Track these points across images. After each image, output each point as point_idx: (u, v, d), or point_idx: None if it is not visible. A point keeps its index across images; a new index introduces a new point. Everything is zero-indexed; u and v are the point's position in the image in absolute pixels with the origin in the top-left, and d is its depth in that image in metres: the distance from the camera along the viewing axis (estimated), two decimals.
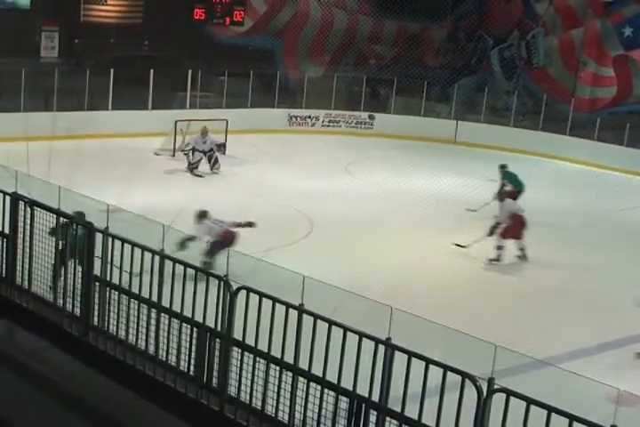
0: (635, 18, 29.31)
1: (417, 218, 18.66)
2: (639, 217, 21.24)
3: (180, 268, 7.57)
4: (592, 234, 18.93)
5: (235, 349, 7.27)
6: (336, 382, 6.72)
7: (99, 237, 8.18)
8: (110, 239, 8.07)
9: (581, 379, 6.39)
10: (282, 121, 28.94)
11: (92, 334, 8.31)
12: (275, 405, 7.02)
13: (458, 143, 29.11)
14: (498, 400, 6.05)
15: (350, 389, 6.66)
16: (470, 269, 15.19)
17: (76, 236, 8.37)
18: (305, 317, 6.85)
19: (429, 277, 14.70)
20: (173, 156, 23.86)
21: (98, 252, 8.19)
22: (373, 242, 16.73)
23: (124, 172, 19.10)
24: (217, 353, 7.40)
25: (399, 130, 29.18)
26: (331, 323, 6.71)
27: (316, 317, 6.79)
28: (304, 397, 6.88)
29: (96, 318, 8.33)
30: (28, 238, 8.89)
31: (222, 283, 7.23)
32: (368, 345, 6.53)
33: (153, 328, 7.78)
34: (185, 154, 22.57)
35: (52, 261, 8.66)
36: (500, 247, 16.13)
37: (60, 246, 8.47)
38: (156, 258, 7.68)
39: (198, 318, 7.44)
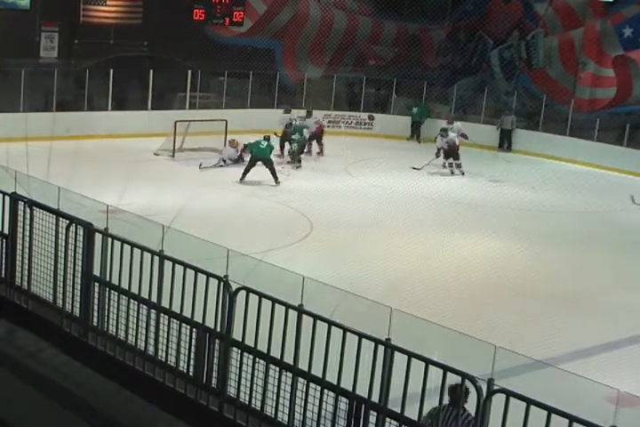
0: (635, 18, 29.29)
1: (417, 218, 18.66)
2: (639, 218, 21.21)
3: (179, 268, 7.57)
4: (592, 234, 18.91)
5: (234, 349, 7.26)
6: (336, 382, 6.71)
7: (98, 237, 8.17)
8: (110, 240, 8.06)
9: (581, 380, 6.39)
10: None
11: (92, 335, 8.30)
12: (274, 405, 7.02)
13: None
14: (498, 401, 6.05)
15: (350, 389, 6.65)
16: (470, 270, 15.17)
17: None
18: (304, 317, 6.85)
19: (429, 277, 14.68)
20: (173, 156, 23.85)
21: (97, 252, 8.19)
22: (373, 242, 16.73)
23: (124, 172, 19.12)
24: (216, 354, 7.39)
25: (399, 130, 29.17)
26: (330, 323, 6.70)
27: (316, 317, 6.79)
28: (303, 397, 6.87)
29: (95, 319, 8.33)
30: (27, 239, 8.89)
31: (222, 283, 7.23)
32: (368, 346, 6.52)
33: (152, 329, 7.78)
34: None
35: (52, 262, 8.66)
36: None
37: None
38: (156, 258, 7.68)
39: (198, 318, 7.44)
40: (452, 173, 24.72)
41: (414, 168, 24.56)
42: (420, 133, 29.33)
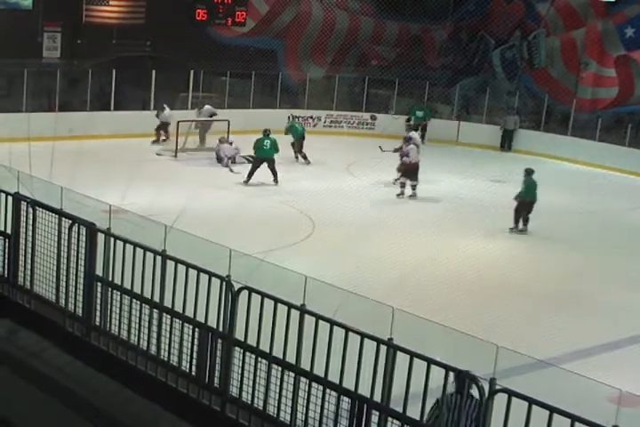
0: (636, 18, 29.28)
1: (418, 218, 18.67)
2: (639, 218, 21.24)
3: (181, 268, 7.59)
4: (593, 234, 18.92)
5: (236, 349, 7.28)
6: (338, 382, 6.73)
7: (101, 237, 8.19)
8: (112, 240, 8.08)
9: (583, 379, 6.39)
10: (283, 122, 28.88)
11: (94, 335, 8.32)
12: (276, 405, 7.03)
13: (460, 144, 29.12)
14: (500, 401, 6.06)
15: (352, 389, 6.67)
16: (472, 270, 15.18)
17: None
18: (307, 317, 6.86)
19: (431, 277, 14.68)
20: (175, 156, 23.87)
21: (100, 252, 8.21)
22: (375, 242, 16.73)
23: (126, 172, 19.13)
24: (219, 353, 7.41)
25: (401, 130, 29.12)
26: (332, 323, 6.72)
27: (318, 317, 6.80)
28: (306, 397, 6.89)
29: (98, 319, 8.34)
30: (30, 239, 8.91)
31: (224, 283, 7.25)
32: (370, 345, 6.54)
33: (155, 328, 7.79)
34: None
35: (55, 262, 8.67)
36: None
37: None
38: (158, 258, 7.70)
39: (200, 318, 7.46)
40: (402, 193, 21.15)
41: (381, 149, 22.84)
42: (426, 134, 29.10)
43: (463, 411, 6.31)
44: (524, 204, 18.57)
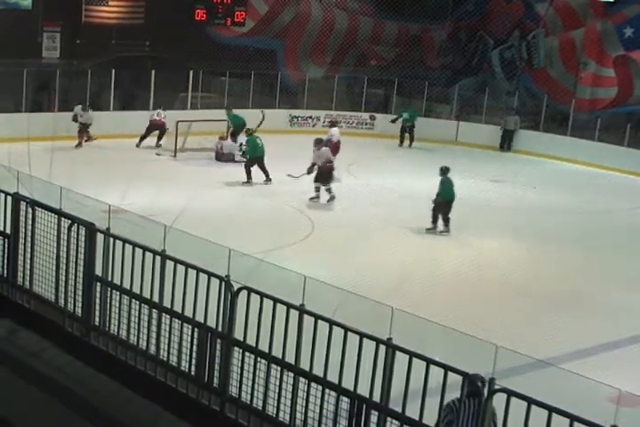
0: (635, 18, 29.27)
1: (418, 218, 18.66)
2: (639, 218, 21.21)
3: (181, 268, 7.59)
4: (593, 234, 18.92)
5: (236, 349, 7.29)
6: (337, 382, 6.73)
7: (100, 237, 8.19)
8: (112, 239, 8.08)
9: (582, 379, 6.40)
10: (283, 122, 28.93)
11: (94, 334, 8.32)
12: (276, 405, 7.04)
13: (459, 144, 29.11)
14: (499, 400, 6.06)
15: (351, 389, 6.67)
16: (471, 270, 15.19)
17: None
18: (306, 317, 6.87)
19: (431, 277, 14.69)
20: (174, 156, 23.87)
21: (99, 252, 8.21)
22: (374, 242, 16.74)
23: (126, 172, 19.14)
24: (218, 353, 7.41)
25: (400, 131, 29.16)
26: (332, 323, 6.72)
27: (317, 317, 6.81)
28: (305, 397, 6.89)
29: (97, 319, 8.35)
30: (29, 239, 8.91)
31: (224, 283, 7.25)
32: (369, 345, 6.54)
33: (154, 328, 7.80)
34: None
35: (54, 262, 8.67)
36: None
37: None
38: (158, 258, 7.70)
39: (199, 318, 7.46)
40: (317, 197, 19.70)
41: (290, 175, 21.22)
42: (414, 136, 28.75)
43: (475, 413, 6.29)
44: (443, 203, 17.70)
